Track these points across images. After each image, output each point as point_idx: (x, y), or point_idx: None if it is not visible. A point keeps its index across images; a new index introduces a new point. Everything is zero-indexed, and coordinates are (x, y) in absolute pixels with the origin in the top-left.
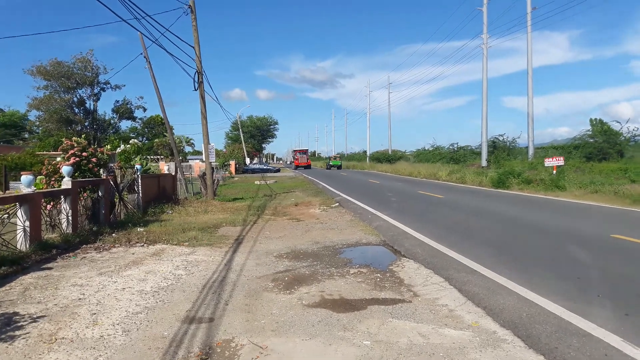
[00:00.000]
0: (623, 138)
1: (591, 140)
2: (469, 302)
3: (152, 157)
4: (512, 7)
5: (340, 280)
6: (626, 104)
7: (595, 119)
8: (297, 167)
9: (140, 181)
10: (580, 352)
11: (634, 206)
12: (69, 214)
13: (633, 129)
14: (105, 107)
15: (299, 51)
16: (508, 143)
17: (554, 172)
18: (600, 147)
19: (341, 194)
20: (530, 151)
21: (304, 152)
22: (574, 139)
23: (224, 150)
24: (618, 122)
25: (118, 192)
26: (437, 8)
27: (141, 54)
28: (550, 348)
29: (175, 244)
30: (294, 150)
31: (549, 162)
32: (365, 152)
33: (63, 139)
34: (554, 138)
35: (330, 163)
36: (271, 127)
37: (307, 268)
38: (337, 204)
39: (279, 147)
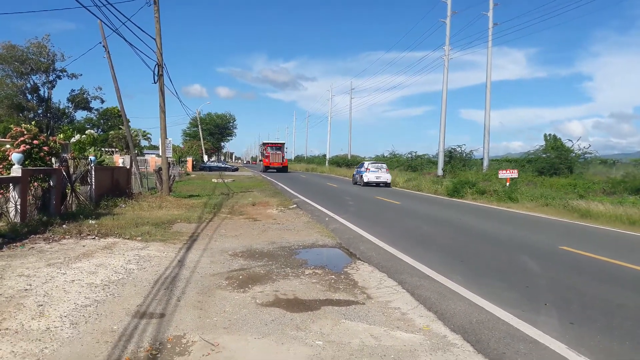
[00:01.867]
0: (574, 155)
1: (544, 155)
2: (420, 306)
3: (107, 149)
4: (474, 22)
5: (295, 281)
6: (577, 122)
7: (549, 134)
8: (266, 168)
9: (93, 173)
10: (527, 357)
11: (582, 220)
12: (18, 203)
13: (583, 147)
14: (60, 96)
15: (262, 51)
16: (464, 154)
17: (507, 184)
18: (552, 163)
19: (299, 195)
20: (485, 163)
21: (279, 147)
22: (528, 153)
23: (182, 146)
24: (570, 140)
25: (70, 182)
26: (402, 17)
27: (100, 42)
28: (499, 353)
29: (128, 238)
30: (264, 144)
31: (503, 174)
32: (325, 155)
33: (12, 126)
34: (509, 152)
35: None
36: (230, 124)
37: (262, 267)
38: (294, 205)
39: (238, 146)
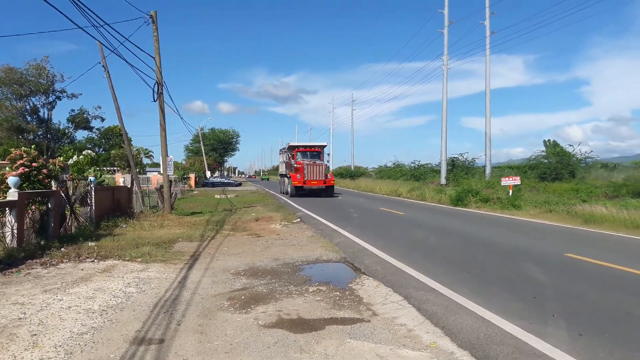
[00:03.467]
0: (575, 159)
1: (545, 161)
2: (427, 321)
3: (108, 168)
4: (472, 31)
5: (298, 299)
6: (577, 127)
7: (549, 140)
8: (298, 189)
9: (93, 193)
10: None
11: (586, 225)
12: (14, 227)
13: (585, 152)
14: (60, 117)
15: (263, 66)
16: (467, 162)
17: (510, 191)
18: (554, 168)
19: (303, 209)
20: (488, 170)
21: (317, 152)
22: (529, 159)
23: (184, 162)
24: (571, 145)
25: (69, 204)
26: (400, 28)
27: (99, 62)
28: None
29: (128, 260)
30: (291, 147)
31: (506, 181)
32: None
33: (12, 149)
34: (510, 158)
35: (262, 177)
36: (233, 140)
37: (265, 286)
38: (298, 219)
39: (241, 160)
